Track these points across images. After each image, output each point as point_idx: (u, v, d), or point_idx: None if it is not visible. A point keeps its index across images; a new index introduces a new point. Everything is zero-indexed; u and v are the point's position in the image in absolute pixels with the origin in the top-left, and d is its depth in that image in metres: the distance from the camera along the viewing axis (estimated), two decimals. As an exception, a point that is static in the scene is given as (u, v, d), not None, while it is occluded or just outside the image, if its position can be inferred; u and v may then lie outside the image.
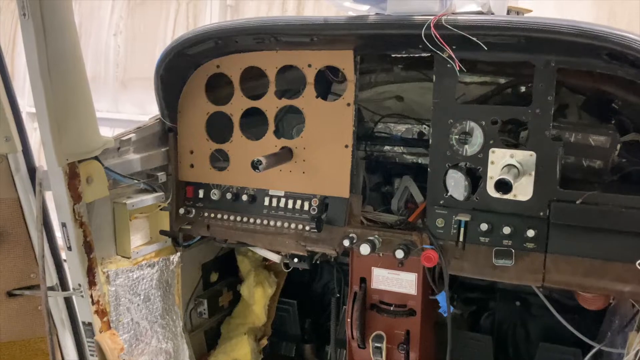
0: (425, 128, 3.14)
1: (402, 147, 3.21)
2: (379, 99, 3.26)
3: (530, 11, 2.62)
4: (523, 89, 2.81)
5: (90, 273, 2.46)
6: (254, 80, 2.83)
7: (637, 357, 2.08)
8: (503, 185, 2.12)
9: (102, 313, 2.52)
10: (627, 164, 2.47)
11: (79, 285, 2.44)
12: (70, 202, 2.33)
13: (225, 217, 2.83)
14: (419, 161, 3.13)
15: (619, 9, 5.08)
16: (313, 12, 6.42)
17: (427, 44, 2.16)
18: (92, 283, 2.47)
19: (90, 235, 2.43)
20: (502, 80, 2.89)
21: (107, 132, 2.69)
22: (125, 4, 8.41)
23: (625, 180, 2.45)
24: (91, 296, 2.46)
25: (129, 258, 2.70)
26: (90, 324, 2.50)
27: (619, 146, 2.35)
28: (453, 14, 2.16)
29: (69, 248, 2.39)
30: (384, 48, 2.52)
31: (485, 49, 2.07)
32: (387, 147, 3.22)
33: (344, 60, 2.54)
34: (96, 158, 2.45)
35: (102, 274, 2.56)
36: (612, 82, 2.38)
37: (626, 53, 1.94)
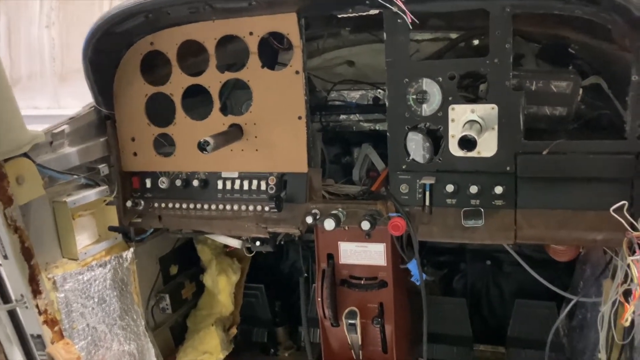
0: (380, 92, 3.02)
1: (358, 115, 3.09)
2: (330, 66, 3.12)
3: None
4: (476, 41, 2.71)
5: (33, 281, 2.25)
6: (193, 56, 2.63)
7: (615, 306, 2.04)
8: (467, 143, 2.01)
9: (52, 322, 2.32)
10: (590, 110, 2.40)
11: (22, 295, 2.23)
12: (0, 207, 2.10)
13: (177, 205, 2.65)
14: (377, 127, 3.02)
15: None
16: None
17: None
18: (36, 292, 2.26)
19: (28, 240, 2.21)
20: (453, 35, 2.78)
21: None
22: (55, -7, 7.95)
23: (589, 127, 2.38)
24: (37, 306, 2.25)
25: (76, 260, 2.50)
26: (39, 336, 2.29)
27: (581, 91, 2.27)
28: (400, -38, 2.01)
29: (5, 257, 2.16)
30: (328, 7, 2.35)
31: None
32: (343, 116, 3.09)
33: (288, 24, 2.36)
34: (26, 155, 2.22)
35: (48, 280, 2.35)
36: (567, 25, 2.29)
37: None
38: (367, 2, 2.10)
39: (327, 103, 3.09)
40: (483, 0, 2.08)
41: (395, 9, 2.07)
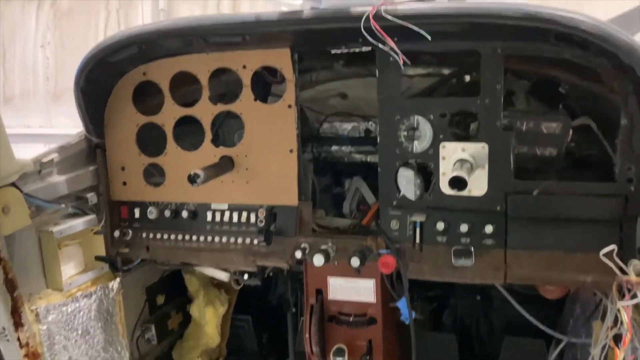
0: (371, 125, 3.02)
1: (350, 146, 3.08)
2: (322, 98, 3.12)
3: (471, -4, 2.52)
4: (468, 78, 2.72)
5: (16, 313, 2.20)
6: (186, 85, 2.63)
7: (605, 350, 2.02)
8: (457, 182, 2.02)
9: (33, 356, 2.27)
10: (579, 149, 2.42)
11: (3, 328, 2.18)
12: (-16, 237, 2.07)
13: (166, 236, 2.62)
14: (368, 159, 3.01)
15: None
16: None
17: (368, 37, 2.03)
18: (18, 324, 2.21)
19: (11, 271, 2.17)
20: (445, 71, 2.80)
21: (41, 149, 2.45)
22: (51, 14, 8.00)
23: (579, 165, 2.39)
24: (18, 339, 2.21)
25: (61, 291, 2.45)
26: (20, 369, 2.24)
27: (571, 132, 2.28)
28: (392, 3, 2.03)
29: (-13, 289, 2.13)
30: (322, 44, 2.37)
31: (429, 39, 1.95)
32: (334, 148, 3.08)
33: (281, 59, 2.38)
34: (13, 184, 2.20)
35: (31, 312, 2.30)
36: (557, 66, 2.32)
37: (573, 34, 1.87)
38: (360, 39, 2.12)
39: (319, 134, 3.08)
40: (474, 41, 2.10)
41: (387, 49, 2.09)
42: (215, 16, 2.29)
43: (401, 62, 2.08)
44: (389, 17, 1.96)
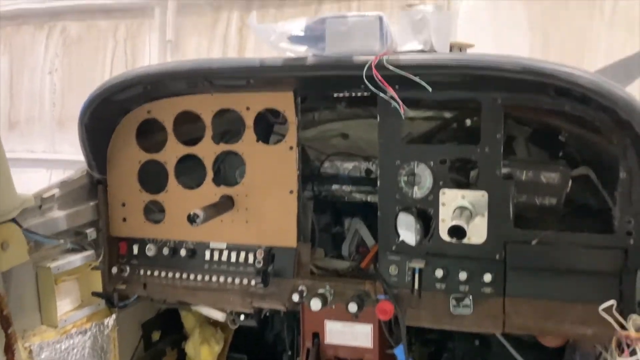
0: (372, 165, 3.04)
1: (350, 186, 3.09)
2: (324, 138, 3.14)
3: (472, 46, 2.56)
4: (469, 122, 2.75)
5: (9, 350, 2.18)
6: (189, 123, 2.65)
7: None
8: (457, 231, 2.01)
9: (24, 394, 2.24)
10: (579, 197, 2.42)
11: (-5, 366, 2.16)
12: (-19, 274, 2.07)
13: (163, 274, 2.61)
14: (369, 199, 3.02)
15: (553, 36, 5.21)
16: (255, 47, 6.31)
17: (369, 84, 2.06)
18: (11, 362, 2.19)
19: (7, 308, 2.16)
20: (447, 114, 2.82)
21: (44, 174, 2.47)
22: (60, 41, 8.12)
23: (578, 214, 2.39)
24: (10, 377, 2.18)
25: (55, 327, 2.43)
26: (10, 408, 2.21)
27: (570, 181, 2.29)
28: (394, 53, 2.07)
29: (-19, 325, 2.11)
30: (325, 88, 2.41)
31: (430, 90, 1.98)
32: (335, 187, 3.09)
33: (284, 102, 2.41)
34: (14, 220, 2.20)
35: (24, 349, 2.28)
36: (557, 115, 2.34)
37: (573, 89, 1.89)
38: (362, 86, 2.15)
39: (320, 173, 3.10)
40: (475, 92, 2.13)
41: (387, 97, 2.11)
42: (220, 60, 2.33)
43: (402, 111, 2.11)
44: (391, 67, 1.99)
